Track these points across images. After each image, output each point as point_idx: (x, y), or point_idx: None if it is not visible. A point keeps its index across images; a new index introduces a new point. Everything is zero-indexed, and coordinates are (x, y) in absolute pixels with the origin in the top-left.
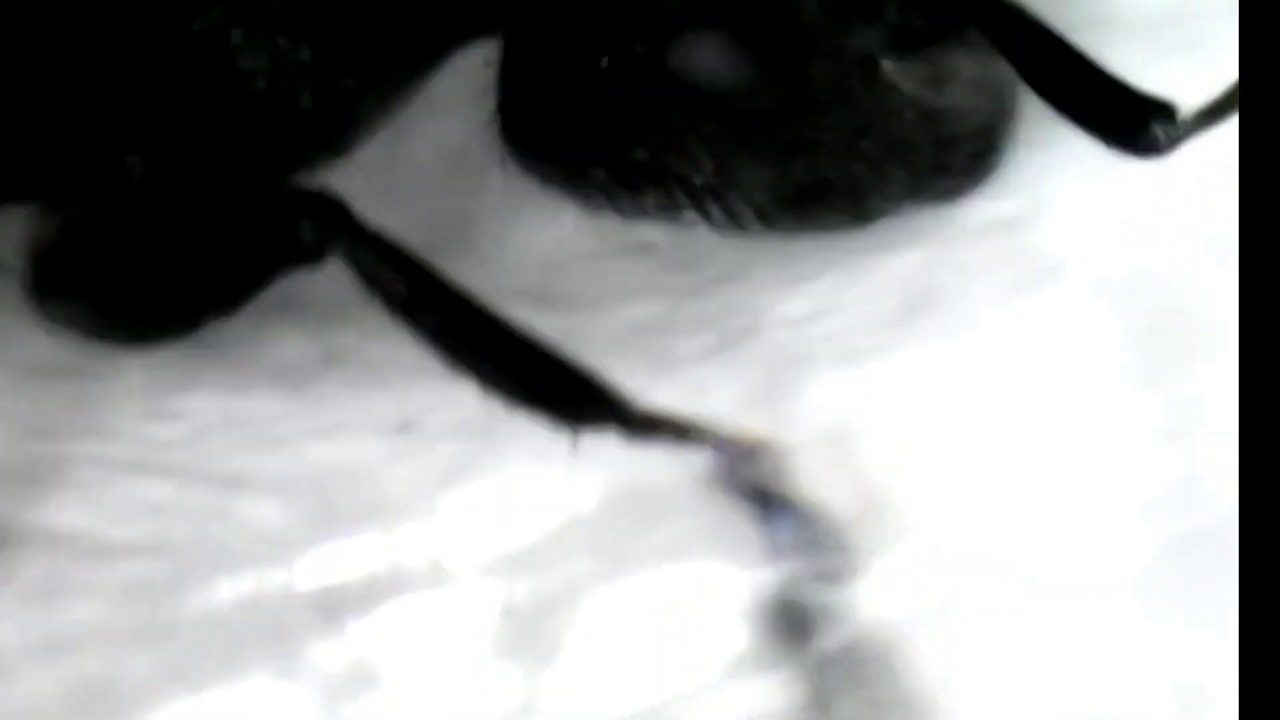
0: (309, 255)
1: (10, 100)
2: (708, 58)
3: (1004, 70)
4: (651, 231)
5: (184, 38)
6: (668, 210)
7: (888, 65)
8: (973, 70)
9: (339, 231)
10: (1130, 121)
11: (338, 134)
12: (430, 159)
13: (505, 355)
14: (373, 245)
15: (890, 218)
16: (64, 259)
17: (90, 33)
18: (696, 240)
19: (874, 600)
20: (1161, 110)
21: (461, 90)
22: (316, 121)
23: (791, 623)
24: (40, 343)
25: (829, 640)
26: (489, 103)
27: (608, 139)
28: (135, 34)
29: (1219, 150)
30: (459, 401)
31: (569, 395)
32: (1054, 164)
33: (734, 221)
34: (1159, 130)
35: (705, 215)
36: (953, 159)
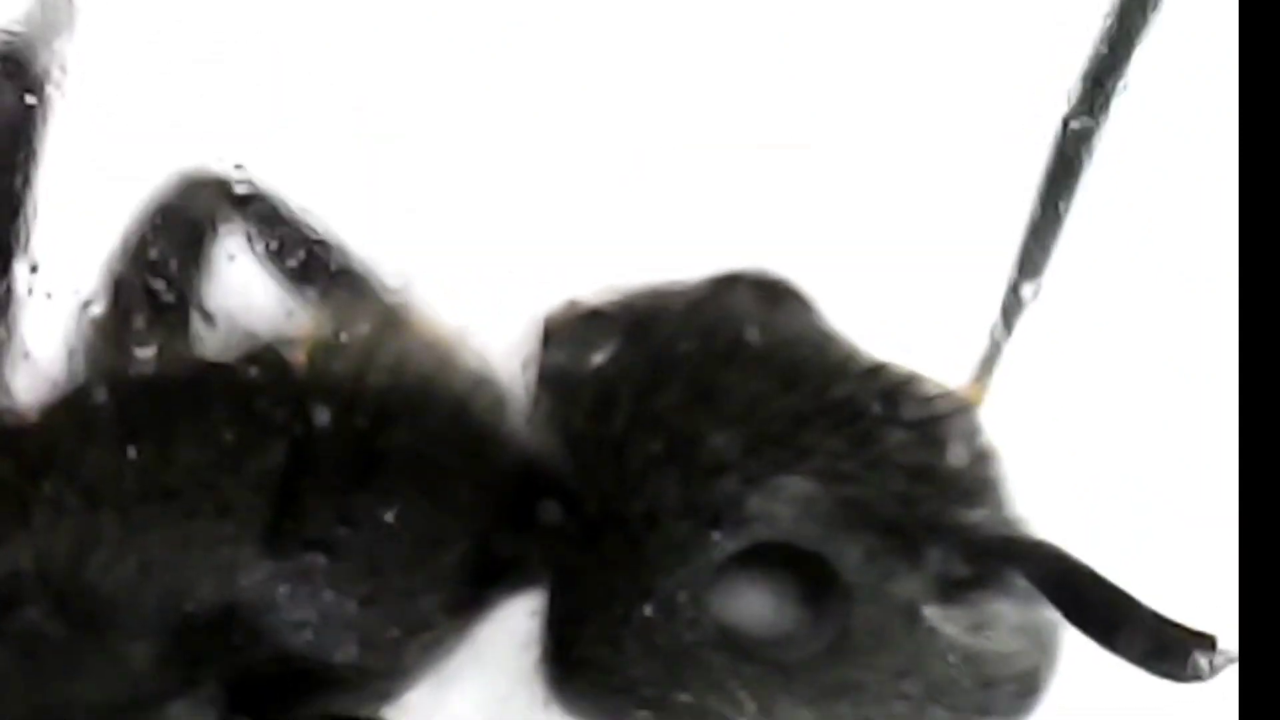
0: None
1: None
2: (750, 605)
3: (1046, 613)
4: None
5: (231, 594)
6: None
7: (930, 612)
8: (1015, 615)
9: None
10: (1175, 655)
11: (381, 682)
12: (474, 707)
13: None
14: None
15: None
16: None
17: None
18: None
19: None
20: (1203, 641)
21: (505, 639)
22: (360, 672)
23: None
24: None
25: None
26: (533, 651)
27: (651, 683)
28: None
29: (1219, 150)
30: None
31: None
32: None
33: None
34: (1202, 661)
35: None
36: (995, 700)
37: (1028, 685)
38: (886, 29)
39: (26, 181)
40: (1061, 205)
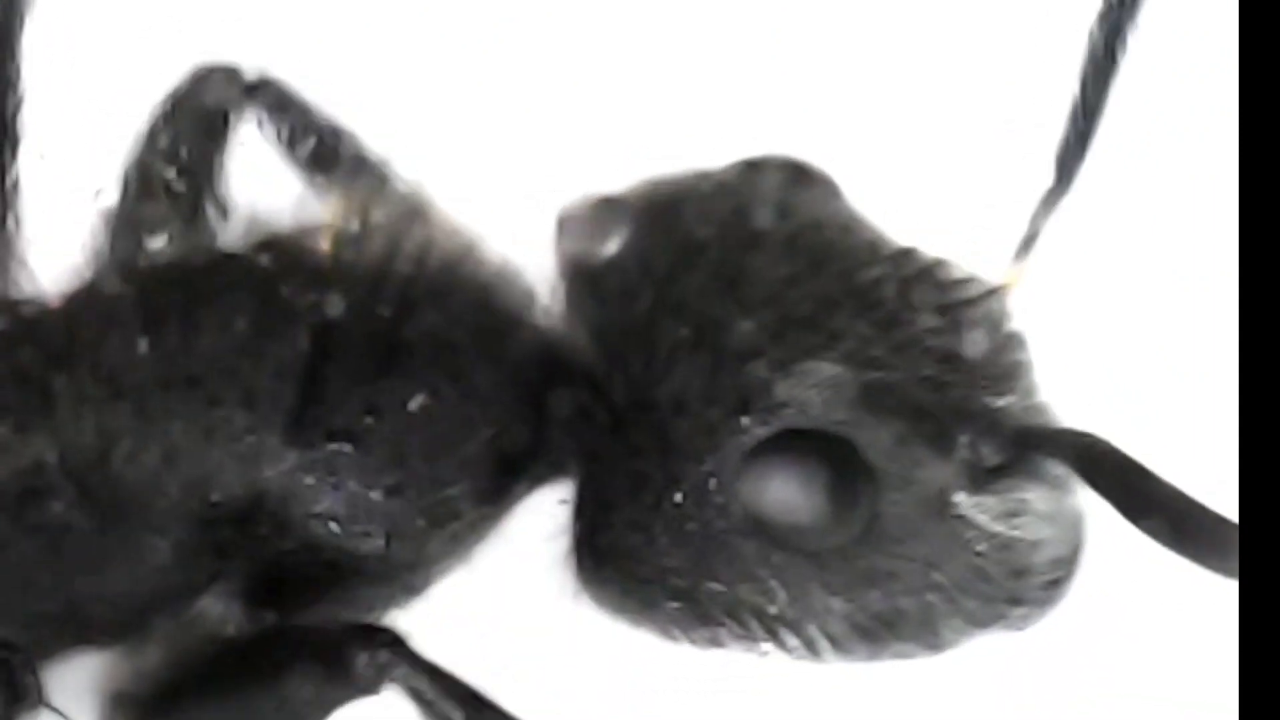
0: (366, 686)
1: (98, 552)
2: (779, 492)
3: (1073, 501)
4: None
5: (256, 485)
6: (743, 640)
7: (960, 500)
8: (1045, 503)
9: (398, 661)
10: (1215, 538)
11: (410, 574)
12: (501, 598)
13: None
14: (430, 675)
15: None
16: (140, 705)
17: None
18: None
19: None
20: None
21: (535, 528)
22: (387, 563)
23: None
24: None
25: None
26: (562, 540)
27: (682, 572)
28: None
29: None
30: None
31: None
32: None
33: (809, 650)
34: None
35: (781, 645)
36: (1026, 589)
37: (1057, 574)
38: None
39: (15, 64)
40: (1097, 98)
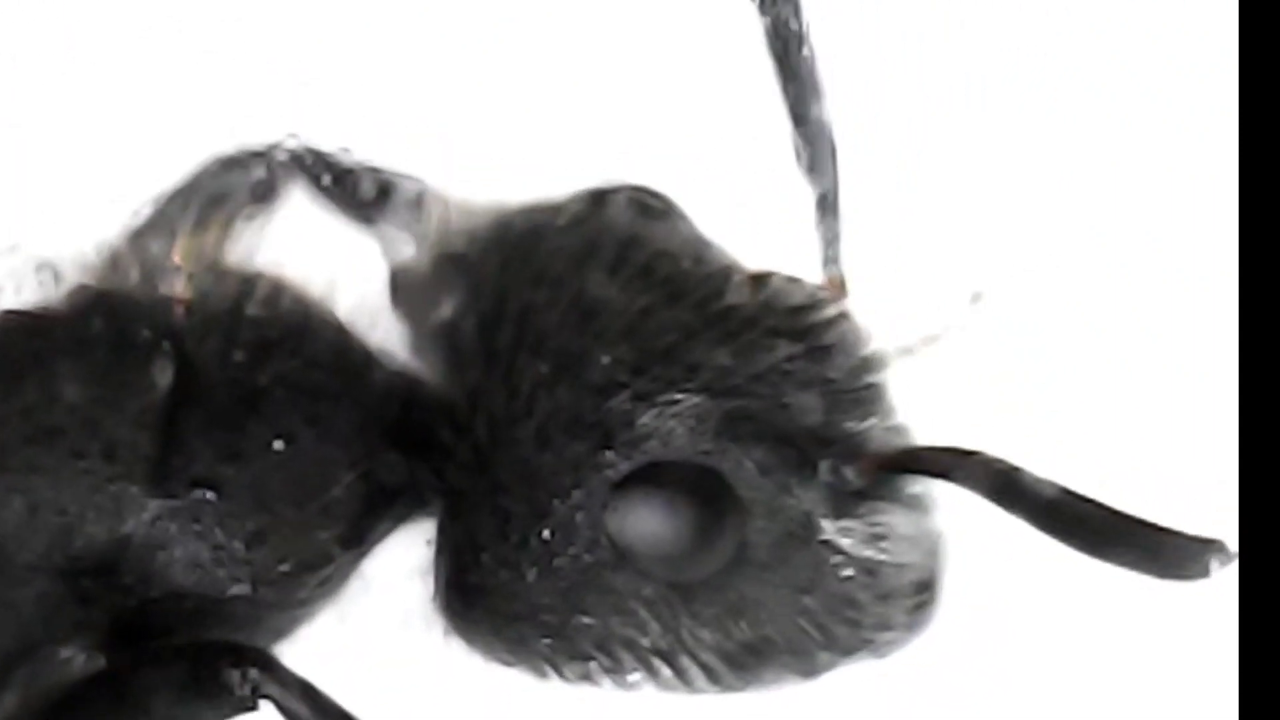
0: (239, 702)
1: None
2: (647, 524)
3: (934, 523)
4: None
5: (118, 534)
6: (614, 674)
7: (825, 525)
8: (907, 525)
9: (269, 678)
10: (1185, 561)
11: (278, 618)
12: (369, 639)
13: None
14: (302, 693)
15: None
16: None
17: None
18: None
19: None
20: (1212, 545)
21: (398, 568)
22: (254, 607)
23: None
24: None
25: None
26: (428, 580)
27: (552, 608)
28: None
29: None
30: None
31: None
32: None
33: (682, 681)
34: (1213, 560)
35: (653, 677)
36: (893, 614)
37: (922, 598)
38: None
39: None
40: (803, 101)
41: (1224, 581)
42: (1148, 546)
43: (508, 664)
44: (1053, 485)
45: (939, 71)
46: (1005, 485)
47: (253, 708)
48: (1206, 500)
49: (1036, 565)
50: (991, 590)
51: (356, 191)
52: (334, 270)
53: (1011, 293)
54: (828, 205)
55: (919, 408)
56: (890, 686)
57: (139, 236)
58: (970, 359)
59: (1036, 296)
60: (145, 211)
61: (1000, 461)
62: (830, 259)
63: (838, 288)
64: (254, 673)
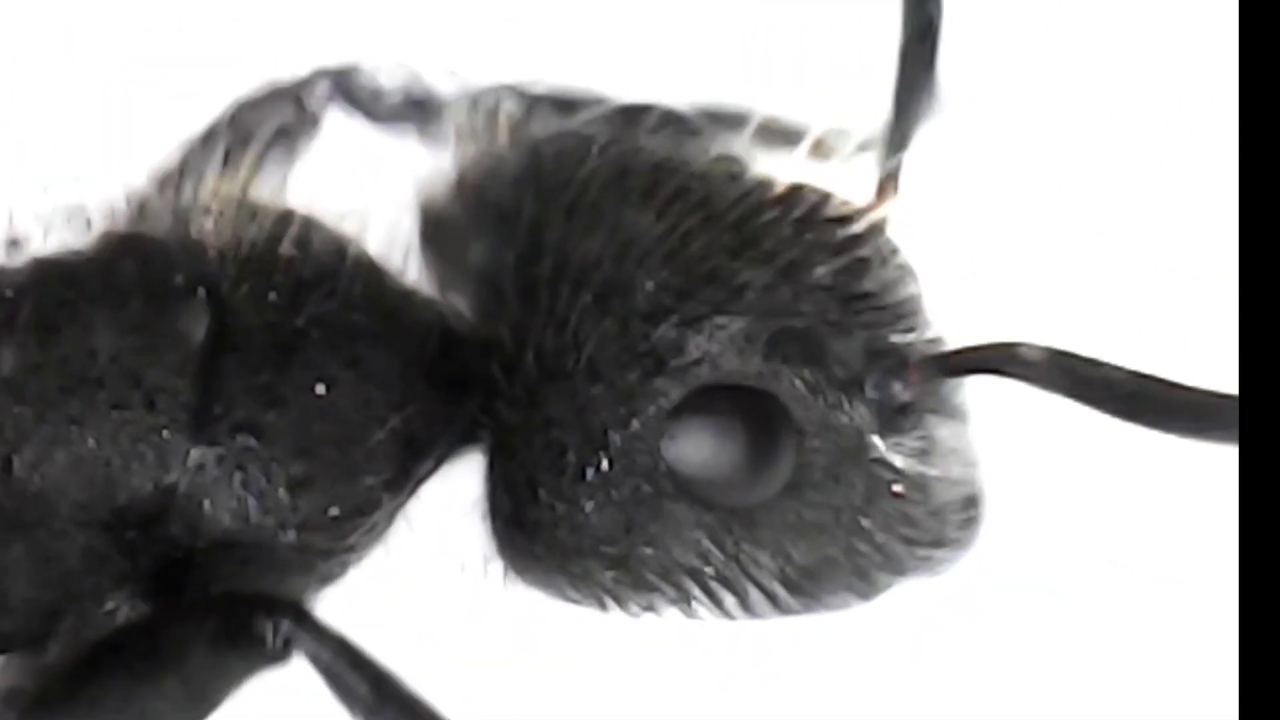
0: (272, 655)
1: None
2: (703, 451)
3: (970, 436)
4: None
5: (162, 485)
6: (678, 603)
7: (877, 441)
8: (953, 439)
9: (303, 631)
10: (1172, 406)
11: (325, 563)
12: (420, 581)
13: None
14: (336, 647)
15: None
16: (35, 701)
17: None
18: None
19: None
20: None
21: (448, 506)
22: (302, 553)
23: None
24: None
25: None
26: (481, 521)
27: (614, 540)
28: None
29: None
30: None
31: None
32: None
33: (744, 608)
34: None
35: (716, 604)
36: (947, 529)
37: (972, 512)
38: None
39: None
40: (920, 17)
41: (1224, 581)
42: (1203, 411)
43: (570, 599)
44: (1108, 364)
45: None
46: (1059, 368)
47: (285, 660)
48: (1206, 499)
49: (1035, 564)
50: (992, 590)
51: (392, 107)
52: (366, 209)
53: (1009, 293)
54: (897, 132)
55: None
56: (890, 686)
57: (167, 180)
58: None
59: (1035, 296)
60: (173, 155)
61: (1049, 347)
62: (893, 151)
63: (890, 188)
64: (287, 625)
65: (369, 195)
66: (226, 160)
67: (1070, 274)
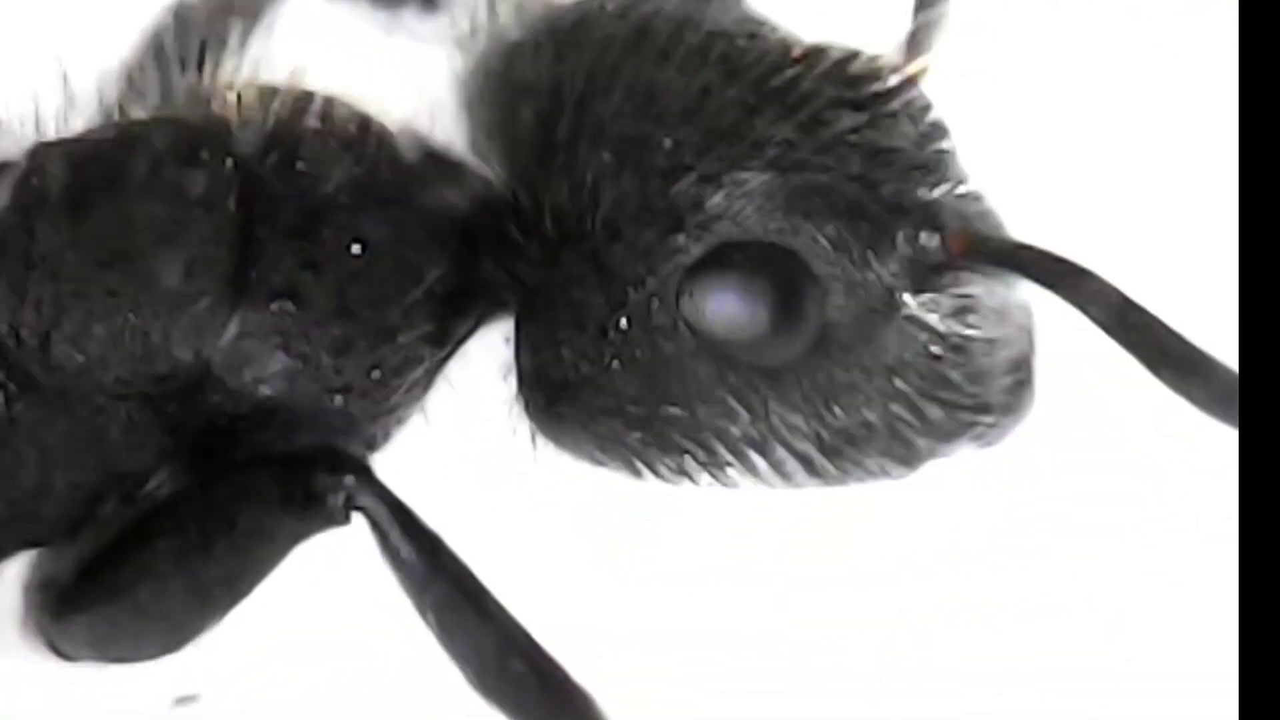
0: (330, 514)
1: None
2: (726, 308)
3: (1020, 296)
4: None
5: (202, 354)
6: (710, 467)
7: (909, 299)
8: (994, 298)
9: (364, 489)
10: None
11: (370, 426)
12: (454, 443)
13: (497, 651)
14: (394, 510)
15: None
16: (82, 589)
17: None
18: None
19: None
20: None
21: (483, 372)
22: (345, 417)
23: None
24: None
25: None
26: (512, 380)
27: (639, 399)
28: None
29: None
30: None
31: (548, 711)
32: None
33: (779, 474)
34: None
35: (749, 469)
36: (990, 394)
37: (1019, 376)
38: None
39: None
40: None
41: (1223, 582)
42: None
43: (600, 463)
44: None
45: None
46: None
47: (343, 521)
48: (1205, 499)
49: (1035, 566)
50: (991, 589)
51: None
52: (383, 88)
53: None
54: None
55: None
56: (889, 685)
57: (179, 60)
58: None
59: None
60: (180, 36)
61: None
62: (924, 34)
63: (920, 66)
64: (350, 480)
65: (384, 80)
66: (240, 40)
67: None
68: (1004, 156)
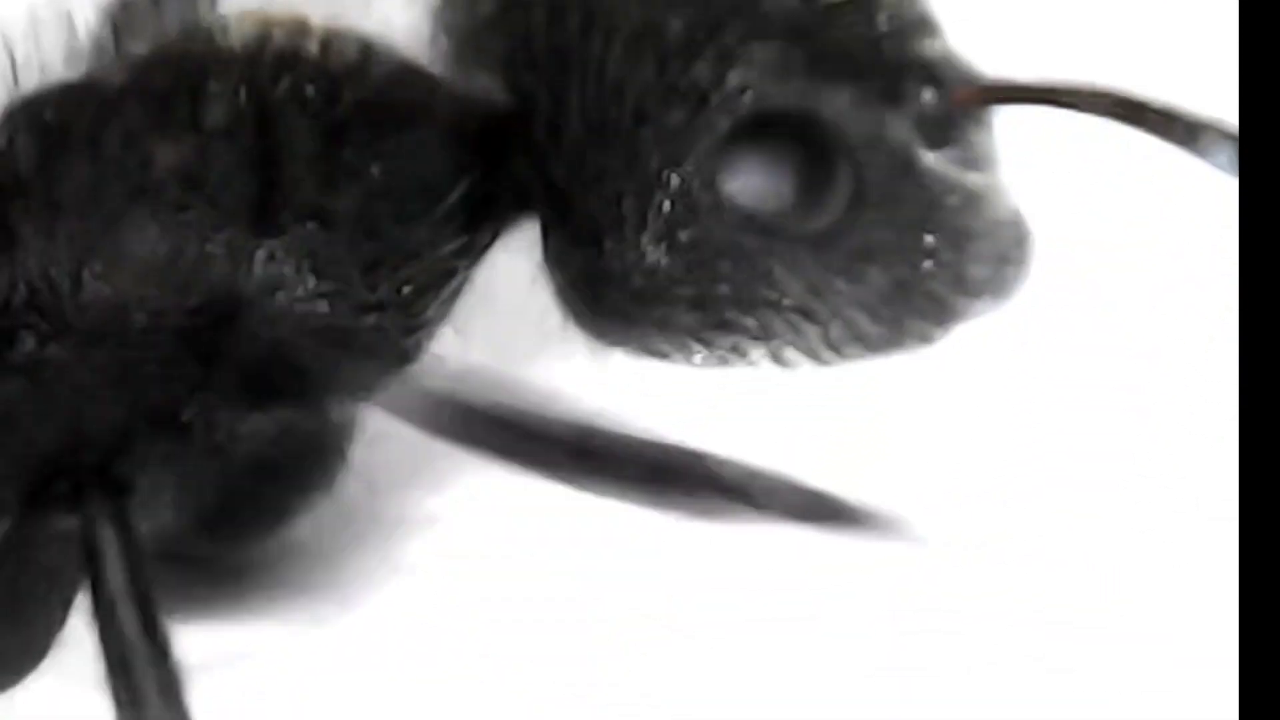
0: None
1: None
2: (760, 177)
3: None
4: None
5: (234, 281)
6: (763, 340)
7: (925, 152)
8: (995, 148)
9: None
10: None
11: (405, 341)
12: (489, 349)
13: None
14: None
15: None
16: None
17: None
18: None
19: None
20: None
21: (511, 277)
22: (381, 334)
23: None
24: None
25: None
26: (550, 284)
27: (687, 280)
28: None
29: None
30: None
31: None
32: None
33: (828, 344)
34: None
35: (802, 340)
36: (1009, 247)
37: (1025, 227)
38: None
39: None
40: None
41: (1223, 581)
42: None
43: (651, 351)
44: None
45: None
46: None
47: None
48: (1205, 501)
49: (1033, 563)
50: (991, 589)
51: None
52: (381, 20)
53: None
54: None
55: (919, 406)
56: (888, 684)
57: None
58: (972, 360)
59: (1034, 297)
60: None
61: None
62: None
63: None
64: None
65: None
66: None
67: (1067, 275)
68: (1004, 156)
